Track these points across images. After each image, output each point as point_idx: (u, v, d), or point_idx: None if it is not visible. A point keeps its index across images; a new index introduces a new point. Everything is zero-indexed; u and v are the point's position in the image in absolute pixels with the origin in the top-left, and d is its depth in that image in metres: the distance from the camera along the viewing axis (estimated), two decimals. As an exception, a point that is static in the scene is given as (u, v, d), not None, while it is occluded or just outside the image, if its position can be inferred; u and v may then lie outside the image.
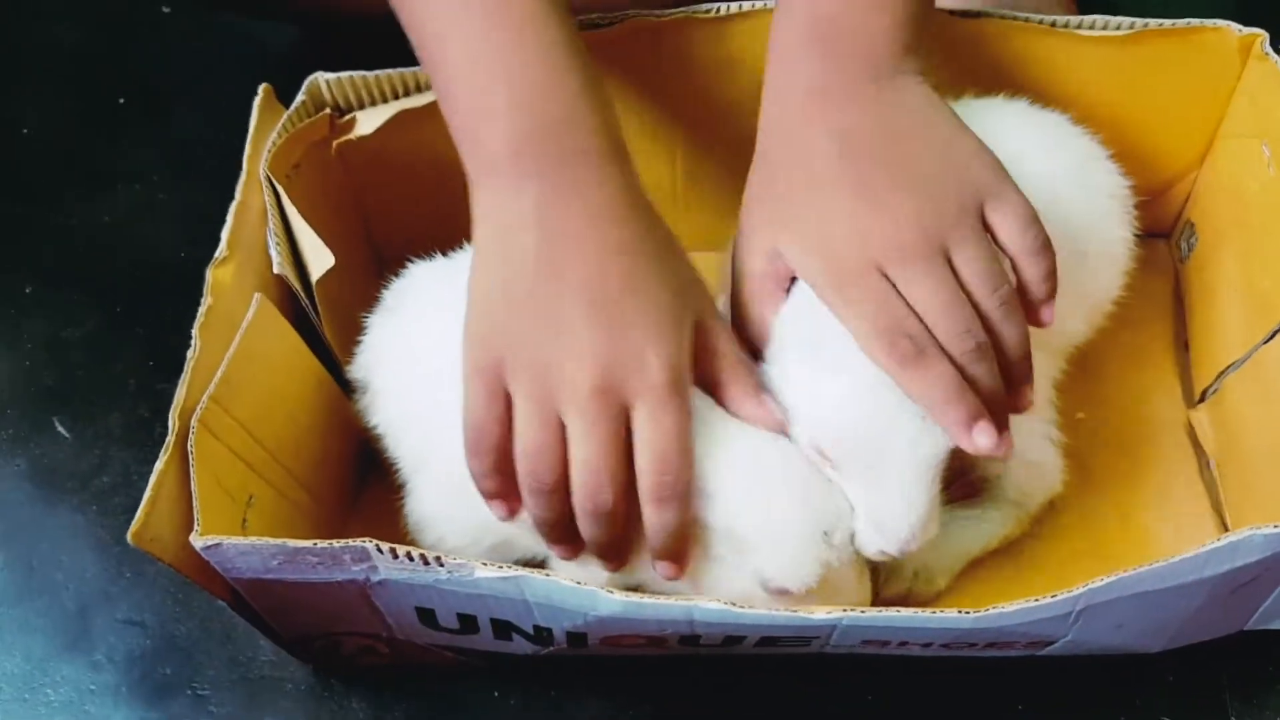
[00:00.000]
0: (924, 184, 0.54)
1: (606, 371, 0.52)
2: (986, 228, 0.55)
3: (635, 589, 0.54)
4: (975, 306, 0.54)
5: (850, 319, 0.54)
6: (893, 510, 0.54)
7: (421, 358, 0.60)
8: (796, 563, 0.54)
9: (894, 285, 0.53)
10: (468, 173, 0.57)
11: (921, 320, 0.53)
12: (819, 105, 0.56)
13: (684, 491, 0.53)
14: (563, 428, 0.53)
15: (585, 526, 0.54)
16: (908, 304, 0.53)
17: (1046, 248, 0.55)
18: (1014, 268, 0.56)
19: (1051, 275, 0.56)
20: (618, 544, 0.55)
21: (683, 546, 0.54)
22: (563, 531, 0.55)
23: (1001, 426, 0.54)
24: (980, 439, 0.53)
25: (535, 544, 0.58)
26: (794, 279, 0.57)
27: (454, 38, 0.56)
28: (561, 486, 0.53)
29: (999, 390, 0.54)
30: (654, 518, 0.53)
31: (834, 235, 0.54)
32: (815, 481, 0.55)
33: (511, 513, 0.55)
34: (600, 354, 0.53)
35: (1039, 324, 0.56)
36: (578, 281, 0.53)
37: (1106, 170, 0.67)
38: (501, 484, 0.55)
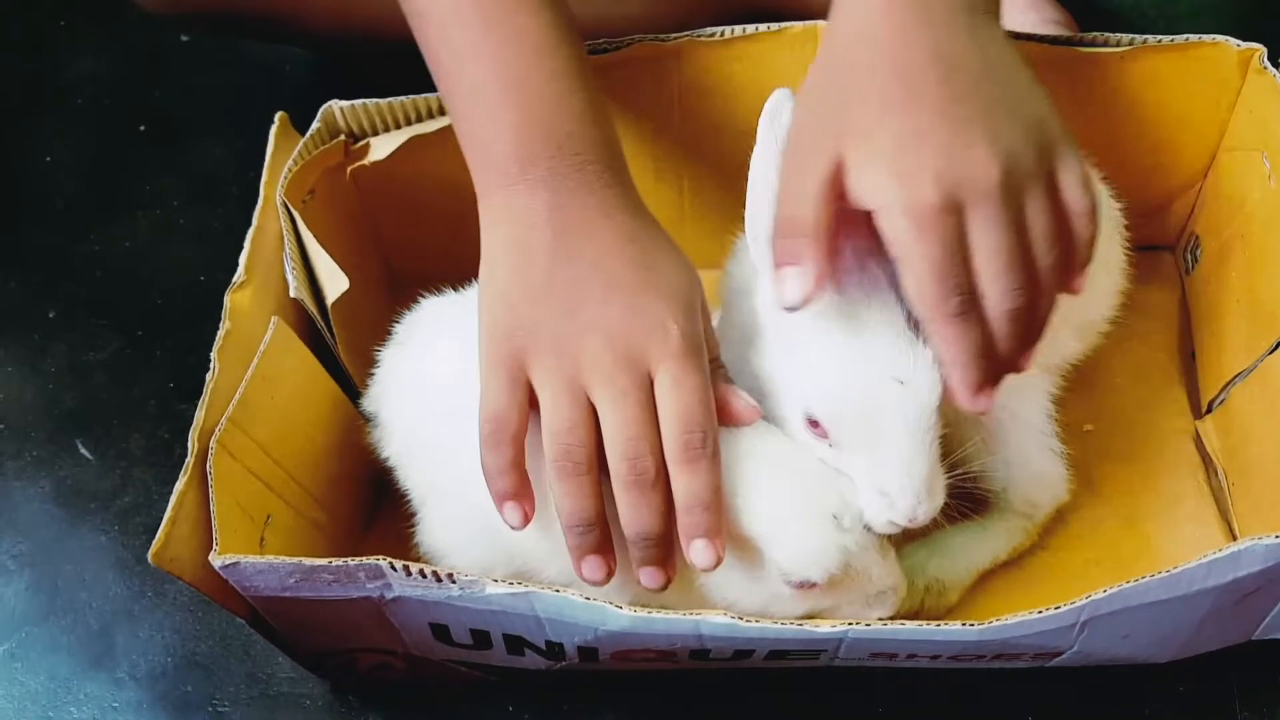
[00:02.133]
0: (1016, 128, 0.52)
1: (628, 342, 0.53)
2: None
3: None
4: (1030, 259, 0.52)
5: (915, 256, 0.51)
6: (894, 475, 0.55)
7: (431, 391, 0.61)
8: (812, 549, 0.54)
9: (967, 225, 0.51)
10: (477, 186, 0.58)
11: (974, 270, 0.52)
12: (919, 22, 0.53)
13: (713, 450, 0.53)
14: (591, 406, 0.53)
15: (627, 506, 0.53)
16: (968, 252, 0.52)
17: (1095, 212, 0.54)
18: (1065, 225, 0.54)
19: (1094, 242, 0.55)
20: (657, 518, 0.52)
21: (716, 519, 0.52)
22: (595, 536, 0.53)
23: (996, 383, 0.54)
24: (980, 402, 0.53)
25: (547, 572, 0.58)
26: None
27: (471, 60, 0.59)
28: (595, 466, 0.53)
29: (1014, 350, 0.54)
30: (684, 480, 0.52)
31: (921, 163, 0.51)
32: (813, 468, 0.56)
33: (526, 518, 0.54)
34: (620, 326, 0.54)
35: (1073, 290, 0.55)
36: (593, 265, 0.55)
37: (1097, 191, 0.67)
38: (518, 482, 0.54)
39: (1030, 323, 0.53)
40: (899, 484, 0.55)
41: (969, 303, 0.51)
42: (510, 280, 0.56)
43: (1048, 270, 0.53)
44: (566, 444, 0.53)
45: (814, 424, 0.56)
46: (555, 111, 0.57)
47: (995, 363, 0.53)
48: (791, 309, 0.54)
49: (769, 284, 0.58)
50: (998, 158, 0.51)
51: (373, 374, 0.66)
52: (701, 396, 0.53)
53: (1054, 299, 0.54)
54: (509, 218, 0.57)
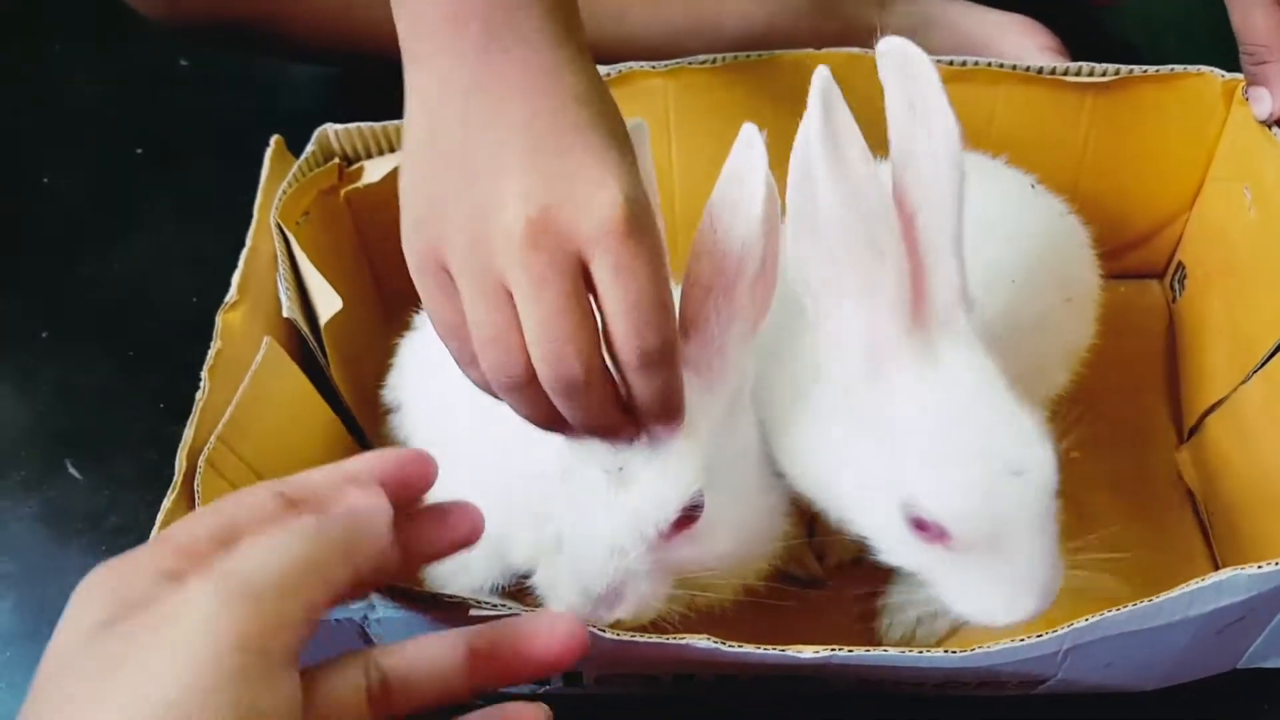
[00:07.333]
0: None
1: (546, 212, 0.43)
2: None
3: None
4: None
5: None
6: (1019, 576, 0.49)
7: (434, 378, 0.62)
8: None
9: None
10: (404, 59, 0.48)
11: None
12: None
13: (671, 348, 0.45)
14: (513, 300, 0.44)
15: (565, 409, 0.46)
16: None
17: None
18: None
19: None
20: (610, 416, 0.46)
21: (678, 400, 0.47)
22: (557, 420, 0.47)
23: None
24: None
25: (513, 556, 0.58)
26: None
27: None
28: (532, 371, 0.45)
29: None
30: (641, 385, 0.45)
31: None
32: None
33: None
34: (537, 193, 0.43)
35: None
36: (521, 128, 0.44)
37: (1072, 222, 0.68)
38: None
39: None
40: (1026, 587, 0.49)
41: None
42: (419, 155, 0.46)
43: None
44: (494, 361, 0.45)
45: (921, 526, 0.48)
46: None
47: None
48: None
49: (833, 332, 0.49)
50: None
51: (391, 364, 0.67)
52: (653, 287, 0.43)
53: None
54: (430, 85, 0.46)
